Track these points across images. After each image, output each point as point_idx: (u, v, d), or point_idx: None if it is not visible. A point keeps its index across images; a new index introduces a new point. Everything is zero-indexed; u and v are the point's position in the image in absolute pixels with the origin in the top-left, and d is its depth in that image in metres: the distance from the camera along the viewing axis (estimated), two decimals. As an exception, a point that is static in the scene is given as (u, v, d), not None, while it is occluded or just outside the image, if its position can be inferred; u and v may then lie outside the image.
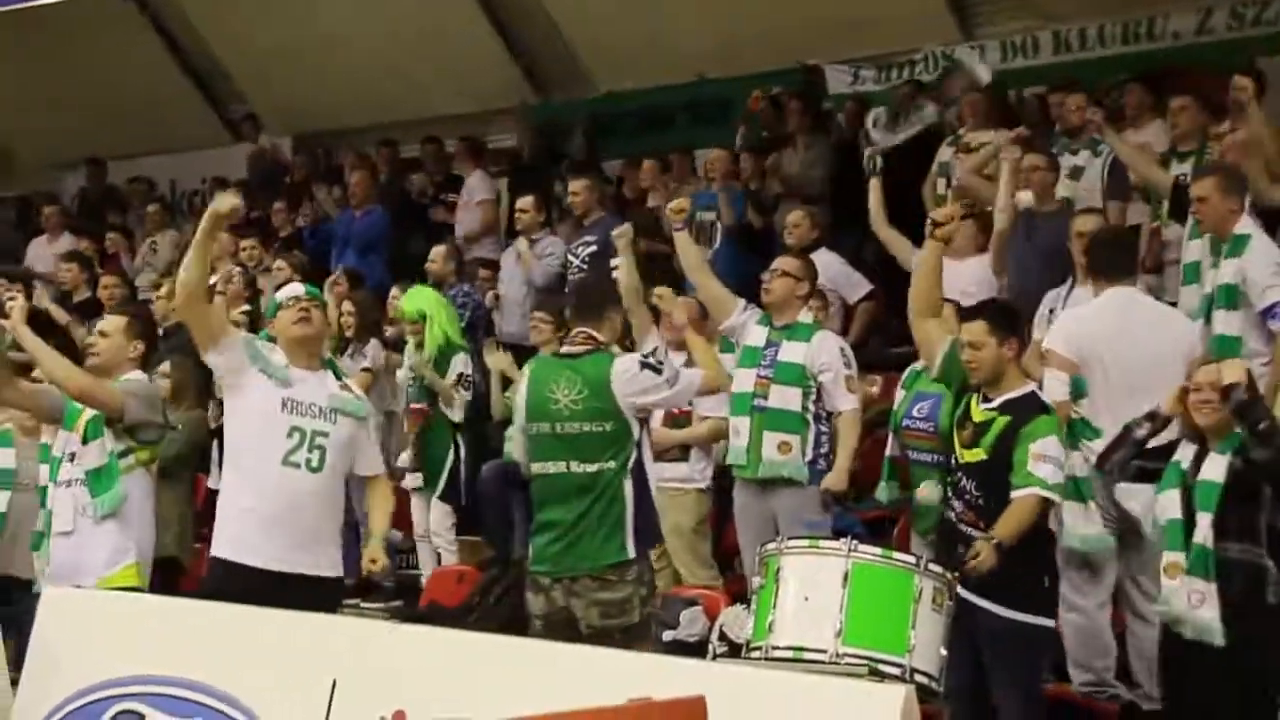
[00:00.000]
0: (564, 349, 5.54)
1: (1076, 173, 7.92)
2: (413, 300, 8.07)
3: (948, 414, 5.39)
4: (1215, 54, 9.19)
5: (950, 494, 5.17)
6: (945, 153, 8.92)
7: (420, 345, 7.92)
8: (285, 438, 5.14)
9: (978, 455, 5.03)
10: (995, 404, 5.10)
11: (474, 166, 10.83)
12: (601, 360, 5.36)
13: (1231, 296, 6.07)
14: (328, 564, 5.22)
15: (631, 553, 5.26)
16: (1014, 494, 4.92)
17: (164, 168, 13.99)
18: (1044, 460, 4.93)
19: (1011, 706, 4.93)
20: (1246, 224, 6.20)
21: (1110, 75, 9.35)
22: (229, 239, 10.25)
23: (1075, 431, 5.58)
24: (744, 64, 11.14)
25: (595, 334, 5.43)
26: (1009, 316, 5.31)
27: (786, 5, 10.69)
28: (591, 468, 5.27)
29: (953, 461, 5.18)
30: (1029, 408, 5.07)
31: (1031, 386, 5.21)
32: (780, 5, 10.73)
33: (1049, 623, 5.06)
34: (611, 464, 5.26)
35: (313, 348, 5.32)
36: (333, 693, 4.48)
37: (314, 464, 5.15)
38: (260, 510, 5.13)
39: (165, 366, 7.51)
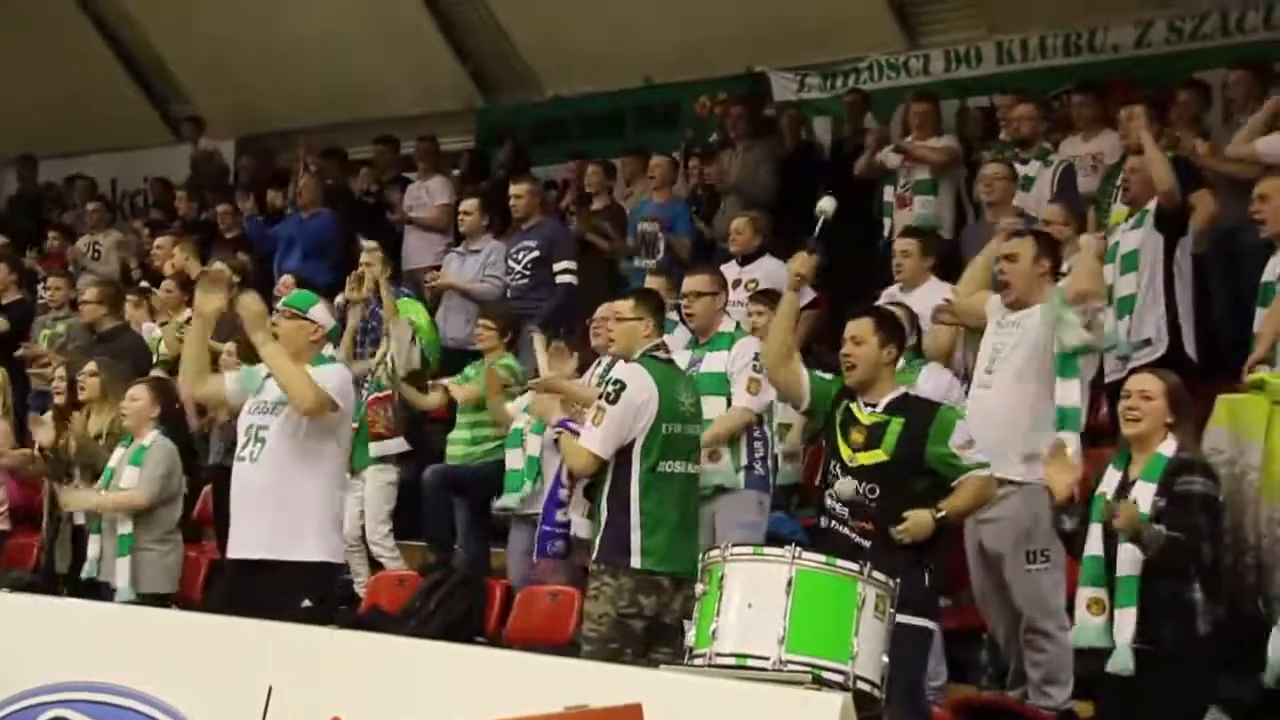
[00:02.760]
0: (661, 354, 5.70)
1: (1027, 183, 8.00)
2: (406, 308, 8.31)
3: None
4: (1154, 66, 9.33)
5: (834, 503, 5.04)
6: (892, 159, 8.98)
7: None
8: (242, 435, 5.65)
9: (876, 457, 4.98)
10: (880, 407, 5.07)
11: (433, 169, 10.78)
12: (684, 373, 5.88)
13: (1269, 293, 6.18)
14: (286, 549, 5.44)
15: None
16: (962, 477, 4.95)
17: (105, 166, 13.82)
18: (969, 446, 4.98)
19: (895, 709, 4.77)
20: None
21: (1052, 86, 9.47)
22: (168, 241, 10.21)
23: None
24: (691, 69, 11.17)
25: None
26: (895, 324, 5.32)
27: (733, 12, 10.74)
28: (696, 469, 5.66)
29: (835, 468, 5.08)
30: (918, 407, 5.09)
31: (904, 390, 5.20)
32: (727, 11, 10.78)
33: (929, 624, 4.99)
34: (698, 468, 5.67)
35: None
36: (269, 699, 4.44)
37: (255, 456, 5.55)
38: (233, 504, 5.65)
39: (91, 366, 7.46)
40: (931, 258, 7.14)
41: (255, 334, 5.51)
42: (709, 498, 6.26)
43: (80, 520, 7.09)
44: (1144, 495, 4.67)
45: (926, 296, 6.91)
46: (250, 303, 5.62)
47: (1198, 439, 5.00)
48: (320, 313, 5.67)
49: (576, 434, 5.62)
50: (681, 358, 6.48)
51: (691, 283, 6.56)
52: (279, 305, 5.81)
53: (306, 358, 5.58)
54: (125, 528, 6.68)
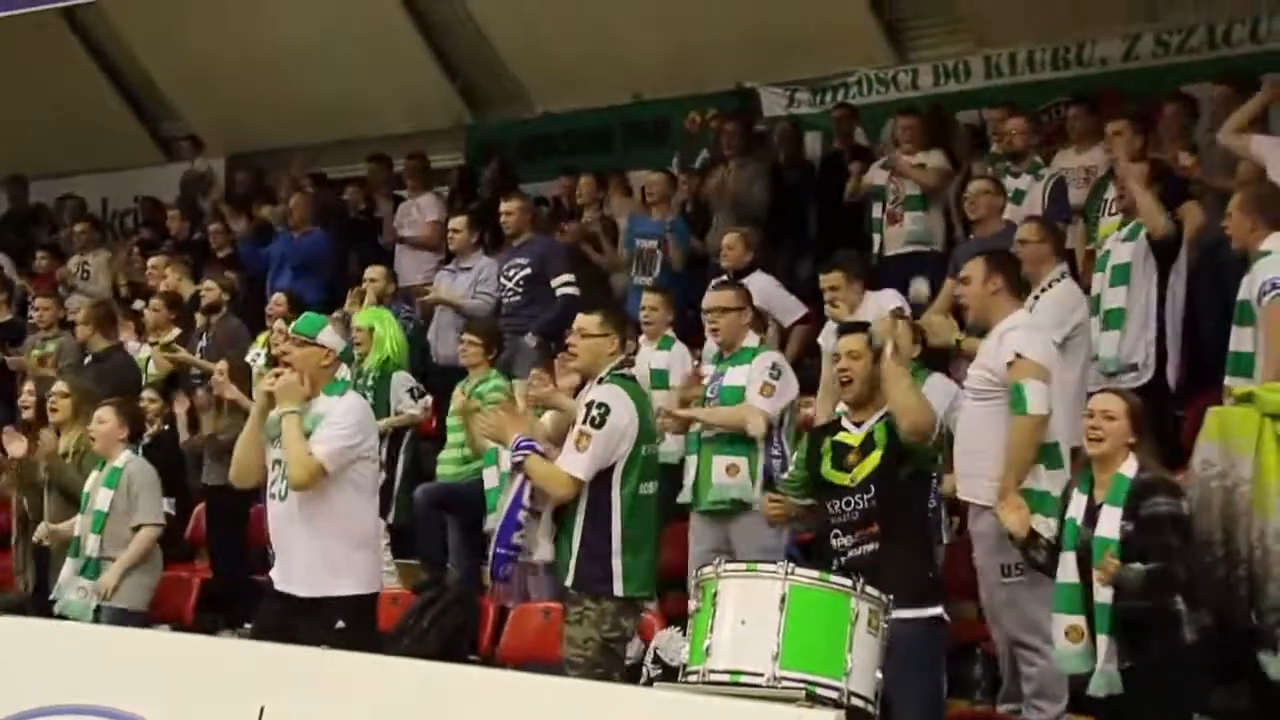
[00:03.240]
0: (629, 372, 5.63)
1: (1018, 196, 8.00)
2: (367, 315, 8.31)
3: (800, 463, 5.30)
4: (1142, 80, 9.37)
5: (839, 534, 5.02)
6: (880, 176, 8.99)
7: (363, 357, 8.02)
8: (271, 471, 5.51)
9: (873, 460, 4.98)
10: (870, 421, 5.07)
11: (423, 187, 10.78)
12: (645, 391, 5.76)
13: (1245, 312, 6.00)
14: (324, 585, 5.35)
15: None
16: None
17: (95, 186, 13.82)
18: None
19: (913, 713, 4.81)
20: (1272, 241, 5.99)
21: (1040, 100, 9.51)
22: (160, 261, 10.24)
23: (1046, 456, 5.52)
24: (681, 85, 11.21)
25: None
26: None
27: (722, 27, 10.77)
28: (656, 486, 5.52)
29: (831, 506, 5.06)
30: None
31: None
32: (716, 27, 10.81)
33: (941, 610, 5.02)
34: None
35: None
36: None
37: (282, 494, 5.43)
38: (272, 539, 5.57)
39: (61, 386, 7.46)
40: (860, 279, 7.00)
41: (284, 405, 5.40)
42: (725, 512, 6.26)
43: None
44: (1111, 520, 4.72)
45: (875, 311, 6.94)
46: (285, 380, 5.49)
47: (1158, 457, 4.98)
48: (329, 336, 5.58)
49: (541, 454, 5.42)
50: (705, 371, 6.60)
51: (716, 298, 6.61)
52: (288, 331, 5.69)
53: (321, 384, 5.49)
54: (92, 549, 6.67)
